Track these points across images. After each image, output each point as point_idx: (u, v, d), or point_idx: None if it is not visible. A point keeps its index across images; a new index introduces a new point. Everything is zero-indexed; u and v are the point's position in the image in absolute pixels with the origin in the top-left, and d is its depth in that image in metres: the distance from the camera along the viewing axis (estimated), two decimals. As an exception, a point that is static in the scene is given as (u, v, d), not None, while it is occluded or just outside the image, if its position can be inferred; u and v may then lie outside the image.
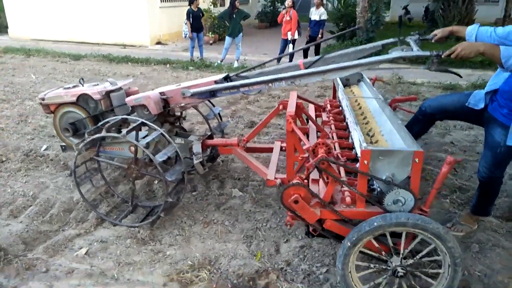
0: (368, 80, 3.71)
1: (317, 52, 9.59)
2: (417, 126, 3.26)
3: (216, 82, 3.05)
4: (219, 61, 9.81)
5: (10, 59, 9.77)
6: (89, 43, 13.01)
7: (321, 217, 2.15)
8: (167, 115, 3.29)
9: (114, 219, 3.14)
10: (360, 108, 3.27)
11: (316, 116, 3.83)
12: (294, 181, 2.19)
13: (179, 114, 3.54)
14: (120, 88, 3.38)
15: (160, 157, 2.78)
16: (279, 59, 9.40)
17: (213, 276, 2.54)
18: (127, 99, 3.09)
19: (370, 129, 2.75)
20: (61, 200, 3.39)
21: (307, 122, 3.56)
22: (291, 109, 2.86)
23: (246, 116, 5.67)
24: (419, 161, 1.98)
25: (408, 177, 2.04)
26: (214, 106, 3.89)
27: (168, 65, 9.44)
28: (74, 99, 3.30)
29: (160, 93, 3.12)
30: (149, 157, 2.78)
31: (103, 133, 2.82)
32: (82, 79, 3.48)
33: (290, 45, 9.44)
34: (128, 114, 3.33)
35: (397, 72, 7.64)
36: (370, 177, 2.03)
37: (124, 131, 2.83)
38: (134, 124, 2.93)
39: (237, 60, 9.79)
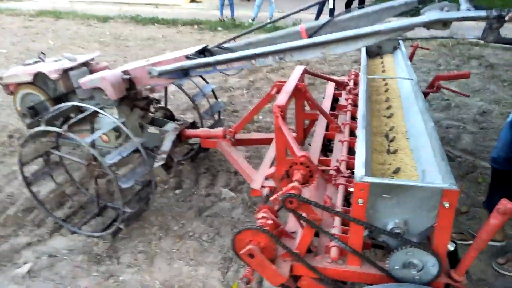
0: (404, 49, 2.77)
1: (361, 5, 8.32)
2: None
3: (187, 57, 2.32)
4: (250, 20, 8.89)
5: (39, 22, 9.50)
6: (123, 3, 12.49)
7: (294, 273, 1.44)
8: (136, 98, 2.63)
9: (75, 224, 2.63)
10: (386, 90, 2.39)
11: (336, 95, 2.98)
12: (259, 214, 1.47)
13: (153, 96, 2.86)
14: (83, 65, 2.75)
15: (110, 159, 2.16)
16: (318, 15, 8.33)
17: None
18: (80, 81, 2.46)
19: (391, 128, 1.91)
20: (26, 195, 2.92)
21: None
22: (282, 97, 2.07)
23: (265, 88, 4.88)
24: (452, 204, 1.17)
25: (432, 227, 1.25)
26: (207, 82, 3.17)
27: (195, 26, 8.70)
28: (30, 78, 2.74)
29: (123, 72, 2.47)
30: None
31: (42, 127, 2.23)
32: (43, 53, 2.89)
33: (331, 0, 8.23)
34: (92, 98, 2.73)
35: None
36: (367, 226, 1.26)
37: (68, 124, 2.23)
38: (84, 114, 2.31)
39: (270, 18, 8.78)
